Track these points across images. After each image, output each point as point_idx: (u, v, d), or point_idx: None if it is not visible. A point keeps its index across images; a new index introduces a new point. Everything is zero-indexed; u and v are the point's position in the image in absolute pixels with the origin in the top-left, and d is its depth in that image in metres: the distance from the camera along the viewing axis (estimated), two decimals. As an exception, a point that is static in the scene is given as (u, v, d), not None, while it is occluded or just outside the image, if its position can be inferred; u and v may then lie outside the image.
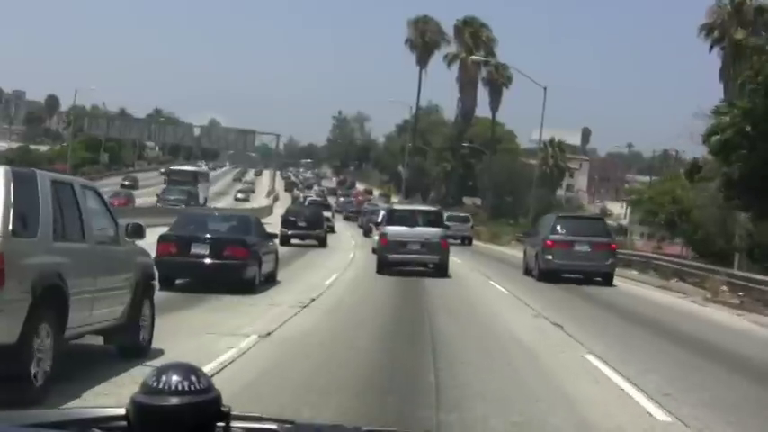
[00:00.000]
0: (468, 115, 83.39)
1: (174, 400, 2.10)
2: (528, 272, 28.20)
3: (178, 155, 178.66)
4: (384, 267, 25.09)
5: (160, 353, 10.36)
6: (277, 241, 21.61)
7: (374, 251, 29.47)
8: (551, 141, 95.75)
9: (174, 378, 2.14)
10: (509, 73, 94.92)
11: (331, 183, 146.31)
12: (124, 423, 2.19)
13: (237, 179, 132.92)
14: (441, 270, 25.19)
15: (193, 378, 2.15)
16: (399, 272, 25.29)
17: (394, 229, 25.91)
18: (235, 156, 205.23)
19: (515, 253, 38.79)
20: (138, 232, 10.23)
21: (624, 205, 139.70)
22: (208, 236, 18.20)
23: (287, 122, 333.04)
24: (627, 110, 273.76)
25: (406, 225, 26.14)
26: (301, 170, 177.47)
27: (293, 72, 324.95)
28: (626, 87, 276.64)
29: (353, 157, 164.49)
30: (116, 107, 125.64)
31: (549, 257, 26.27)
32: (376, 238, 30.66)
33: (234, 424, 2.23)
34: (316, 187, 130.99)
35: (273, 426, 2.36)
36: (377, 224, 34.57)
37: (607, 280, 26.19)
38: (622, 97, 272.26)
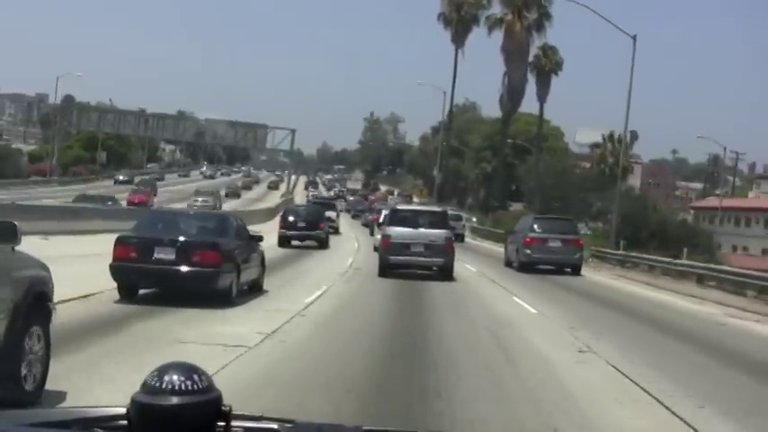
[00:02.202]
0: (517, 94, 65.30)
1: (175, 400, 2.06)
2: (509, 264, 31.55)
3: (198, 157, 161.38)
4: (386, 270, 23.91)
5: (60, 398, 7.27)
6: (263, 244, 18.53)
7: (375, 249, 29.42)
8: (611, 136, 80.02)
9: (175, 377, 2.09)
10: (558, 57, 73.15)
11: (356, 185, 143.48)
12: (125, 422, 2.15)
13: (232, 192, 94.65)
14: (445, 273, 24.15)
15: (194, 377, 2.10)
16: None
17: (397, 230, 24.51)
18: (267, 161, 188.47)
19: (603, 280, 30.45)
20: (9, 235, 7.21)
21: (689, 213, 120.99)
22: (174, 238, 15.20)
23: (320, 127, 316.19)
24: (672, 115, 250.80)
25: (409, 226, 24.72)
26: (328, 175, 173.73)
27: (323, 73, 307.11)
28: (674, 92, 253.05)
29: (386, 161, 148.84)
30: (135, 107, 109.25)
31: (528, 252, 29.69)
32: (378, 236, 29.61)
33: (234, 423, 2.17)
34: (337, 187, 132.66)
35: (274, 425, 2.32)
36: (379, 224, 32.86)
37: (575, 270, 29.82)
38: (669, 102, 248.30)
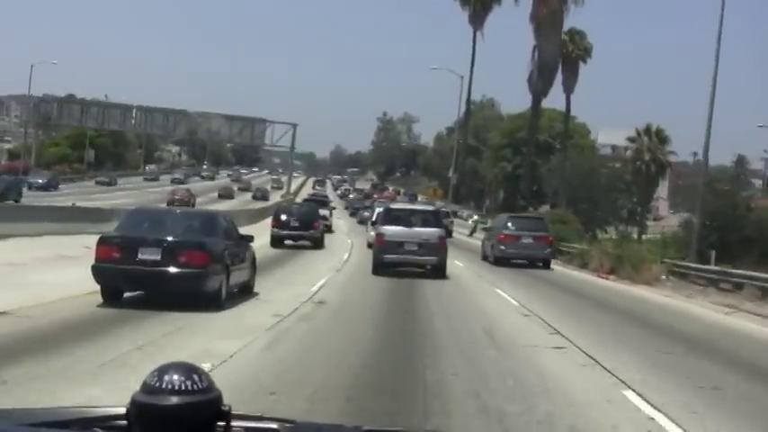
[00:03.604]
0: (549, 72, 54.09)
1: (175, 400, 2.03)
2: (485, 258, 33.80)
3: (203, 158, 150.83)
4: (380, 268, 24.19)
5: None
6: (253, 245, 17.88)
7: (369, 246, 30.63)
8: (647, 130, 66.51)
9: (175, 377, 2.07)
10: (587, 42, 69.34)
11: (365, 185, 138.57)
12: (124, 422, 2.14)
13: (180, 201, 63.77)
14: (438, 271, 24.40)
15: (194, 377, 2.08)
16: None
17: (391, 229, 24.74)
18: (280, 165, 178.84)
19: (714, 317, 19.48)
20: None
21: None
22: (159, 238, 14.53)
23: (333, 130, 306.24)
24: (689, 116, 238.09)
25: (403, 225, 24.97)
26: (337, 176, 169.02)
27: (336, 74, 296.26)
28: (697, 92, 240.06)
29: (400, 162, 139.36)
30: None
31: (503, 248, 31.73)
32: (372, 233, 30.53)
33: (234, 423, 2.14)
34: (344, 186, 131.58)
35: (274, 425, 2.29)
36: (373, 223, 34.04)
37: (546, 265, 31.74)
38: (686, 103, 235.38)
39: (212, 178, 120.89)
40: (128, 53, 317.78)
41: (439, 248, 24.49)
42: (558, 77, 66.24)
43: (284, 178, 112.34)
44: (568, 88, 69.08)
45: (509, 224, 33.16)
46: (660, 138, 68.28)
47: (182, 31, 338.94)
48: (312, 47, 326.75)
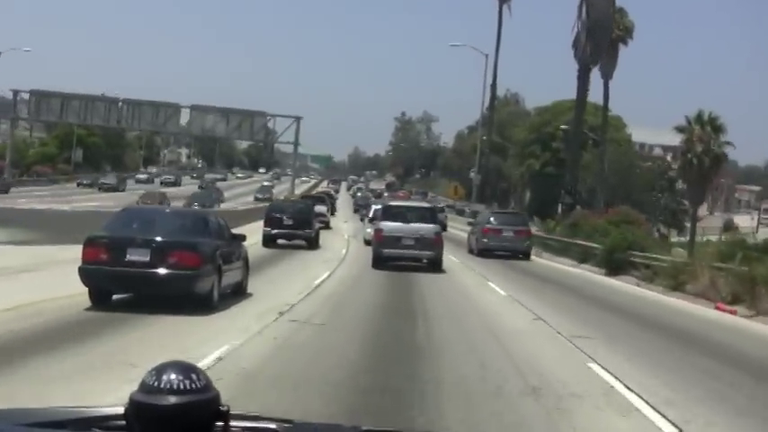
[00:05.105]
0: (601, 32, 43.05)
1: (173, 399, 2.00)
2: (470, 251, 36.52)
3: (213, 161, 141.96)
4: (379, 262, 25.89)
5: None
6: (246, 244, 17.47)
7: (367, 243, 33.40)
8: (698, 117, 54.90)
9: (173, 377, 2.03)
10: (628, 21, 58.17)
11: (381, 185, 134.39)
12: (123, 422, 2.12)
13: None
14: (434, 265, 26.10)
15: (193, 377, 2.05)
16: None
17: (389, 225, 25.97)
18: (295, 168, 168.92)
19: None
20: None
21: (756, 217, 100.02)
22: (148, 238, 13.98)
23: (351, 131, 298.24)
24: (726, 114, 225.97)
25: (400, 221, 26.34)
26: (353, 177, 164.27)
27: (354, 74, 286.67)
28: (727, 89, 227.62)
29: (419, 163, 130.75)
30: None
31: (485, 240, 34.57)
32: (369, 230, 33.87)
33: (233, 423, 2.12)
34: (355, 186, 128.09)
35: (272, 425, 2.27)
36: (371, 219, 35.79)
37: (526, 256, 35.00)
38: (722, 99, 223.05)
39: (175, 184, 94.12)
40: (126, 53, 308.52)
41: (435, 243, 25.87)
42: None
43: (279, 187, 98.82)
44: (606, 74, 60.32)
45: (491, 219, 36.42)
46: (714, 127, 57.75)
47: (189, 30, 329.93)
48: (328, 46, 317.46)
